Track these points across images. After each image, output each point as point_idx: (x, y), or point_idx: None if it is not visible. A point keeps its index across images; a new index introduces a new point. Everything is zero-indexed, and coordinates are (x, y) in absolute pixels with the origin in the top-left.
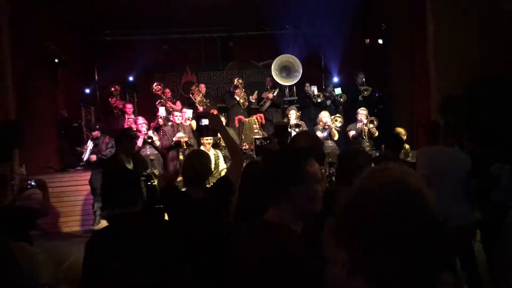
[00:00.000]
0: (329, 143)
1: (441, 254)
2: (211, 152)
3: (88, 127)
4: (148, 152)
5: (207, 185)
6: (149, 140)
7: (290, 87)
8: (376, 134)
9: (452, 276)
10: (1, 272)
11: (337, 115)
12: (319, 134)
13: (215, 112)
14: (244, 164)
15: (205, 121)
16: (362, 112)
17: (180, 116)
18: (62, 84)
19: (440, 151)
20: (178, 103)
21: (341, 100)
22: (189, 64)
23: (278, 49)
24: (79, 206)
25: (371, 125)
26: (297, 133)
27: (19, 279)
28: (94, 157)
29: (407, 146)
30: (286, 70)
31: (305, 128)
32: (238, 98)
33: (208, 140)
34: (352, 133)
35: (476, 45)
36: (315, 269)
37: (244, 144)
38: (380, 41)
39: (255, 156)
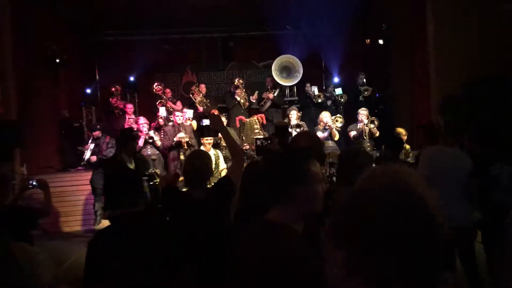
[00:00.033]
0: (330, 143)
1: (441, 255)
2: (211, 152)
3: (89, 127)
4: (149, 152)
5: (208, 185)
6: (150, 140)
7: (291, 87)
8: (377, 134)
9: (453, 276)
10: (1, 272)
11: (338, 115)
12: (320, 134)
13: (216, 112)
14: (245, 164)
15: (206, 122)
16: (362, 113)
17: (181, 116)
18: (63, 84)
19: (440, 151)
20: (179, 103)
21: (342, 100)
22: (190, 64)
23: (278, 49)
24: (80, 206)
25: (372, 125)
26: (298, 133)
27: (19, 279)
28: (94, 158)
29: (407, 146)
30: (287, 70)
31: (305, 128)
32: (238, 98)
33: (208, 140)
34: (353, 133)
35: (476, 45)
36: (316, 269)
37: (245, 144)
38: (381, 42)
39: (256, 156)
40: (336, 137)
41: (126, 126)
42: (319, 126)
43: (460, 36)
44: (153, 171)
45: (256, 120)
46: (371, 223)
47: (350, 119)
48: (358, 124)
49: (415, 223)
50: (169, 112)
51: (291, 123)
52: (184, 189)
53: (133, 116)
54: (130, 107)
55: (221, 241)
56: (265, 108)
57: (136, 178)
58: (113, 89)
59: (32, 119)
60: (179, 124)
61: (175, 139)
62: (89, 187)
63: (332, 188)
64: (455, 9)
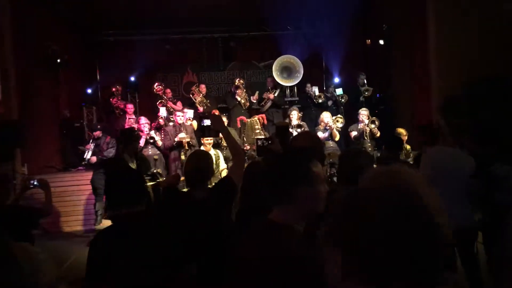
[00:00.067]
0: (330, 143)
1: (441, 255)
2: (211, 152)
3: (89, 127)
4: (150, 152)
5: (209, 186)
6: (151, 141)
7: (291, 87)
8: (378, 134)
9: (453, 277)
10: (1, 272)
11: (339, 115)
12: (320, 134)
13: (217, 112)
14: (246, 165)
15: (207, 122)
16: (363, 113)
17: (182, 116)
18: (64, 84)
19: (442, 151)
20: (179, 103)
21: (343, 100)
22: (190, 64)
23: (279, 50)
24: (80, 206)
25: (373, 126)
26: (298, 134)
27: (19, 279)
28: (94, 159)
29: (408, 146)
30: (287, 70)
31: (306, 128)
32: (239, 99)
33: (208, 141)
34: (354, 133)
35: (476, 45)
36: (316, 269)
37: (246, 145)
38: (382, 42)
39: (257, 157)
40: (337, 138)
41: (126, 126)
42: (319, 126)
43: (460, 36)
44: (155, 170)
45: (257, 121)
46: (371, 223)
47: (351, 119)
48: (359, 125)
49: (415, 223)
50: (170, 112)
51: (292, 124)
52: (185, 189)
53: (134, 116)
54: (130, 107)
55: (221, 241)
56: (266, 108)
57: (138, 178)
58: (113, 89)
59: (33, 119)
60: (180, 124)
61: (176, 139)
62: (90, 187)
63: (333, 188)
64: (455, 9)
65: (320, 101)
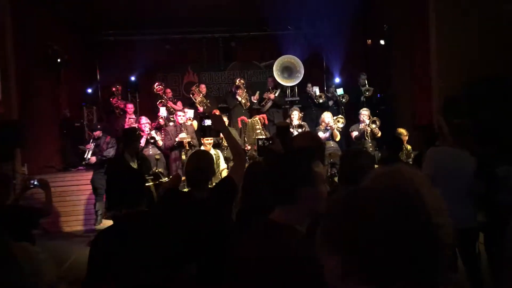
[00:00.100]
0: (331, 143)
1: (441, 255)
2: (211, 152)
3: (90, 127)
4: (151, 152)
5: (210, 186)
6: (152, 141)
7: (292, 87)
8: (379, 134)
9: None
10: (1, 272)
11: (340, 116)
12: (321, 134)
13: (218, 112)
14: (247, 165)
15: (208, 122)
16: (364, 113)
17: (183, 115)
18: (64, 84)
19: (442, 151)
20: (179, 103)
21: (343, 100)
22: (191, 64)
23: (279, 50)
24: (81, 206)
25: (374, 126)
26: (298, 134)
27: (20, 279)
28: (93, 159)
29: (408, 146)
30: (288, 70)
31: (307, 129)
32: (240, 99)
33: (208, 141)
34: (355, 133)
35: (476, 45)
36: (317, 269)
37: (246, 145)
38: (382, 42)
39: (257, 157)
40: (338, 138)
41: (126, 126)
42: (320, 126)
43: (460, 36)
44: (157, 170)
45: (258, 121)
46: (370, 222)
47: (352, 119)
48: (360, 125)
49: (415, 223)
50: (170, 112)
51: (293, 124)
52: (185, 189)
53: (134, 116)
54: (130, 107)
55: (221, 241)
56: (266, 109)
57: (139, 178)
58: (113, 89)
59: (33, 119)
60: (181, 124)
61: (177, 139)
62: (90, 187)
63: (334, 188)
64: (455, 9)
65: (320, 101)
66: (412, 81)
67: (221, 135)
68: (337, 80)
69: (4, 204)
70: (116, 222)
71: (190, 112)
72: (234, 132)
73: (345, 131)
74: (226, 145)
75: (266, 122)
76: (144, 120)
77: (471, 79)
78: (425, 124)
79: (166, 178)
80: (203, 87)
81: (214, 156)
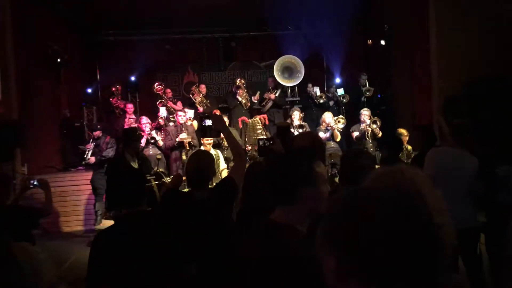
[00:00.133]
0: (331, 144)
1: (442, 255)
2: (211, 152)
3: (89, 127)
4: (151, 152)
5: (210, 186)
6: (152, 141)
7: (292, 87)
8: (380, 134)
9: (455, 277)
10: (1, 272)
11: (340, 116)
12: (322, 135)
13: (218, 112)
14: (247, 165)
15: (208, 122)
16: (365, 113)
17: (183, 116)
18: (64, 84)
19: (442, 151)
20: (179, 103)
21: (344, 100)
22: (191, 64)
23: (280, 50)
24: (80, 206)
25: (374, 126)
26: (299, 134)
27: (19, 279)
28: (93, 159)
29: (409, 147)
30: (288, 70)
31: (308, 129)
32: (240, 99)
33: (208, 141)
34: (355, 134)
35: (476, 45)
36: (317, 270)
37: (247, 145)
38: (383, 42)
39: (258, 157)
40: (338, 138)
41: (126, 126)
42: (321, 126)
43: (460, 36)
44: (158, 170)
45: (259, 121)
46: (371, 223)
47: (352, 119)
48: (361, 125)
49: (416, 223)
50: (170, 112)
51: (294, 124)
52: (186, 190)
53: (134, 116)
54: (130, 107)
55: (221, 241)
56: (267, 109)
57: (139, 178)
58: (113, 89)
59: (33, 119)
60: (181, 124)
61: (177, 139)
62: (90, 187)
63: (334, 189)
64: (455, 9)
65: (321, 101)
66: (412, 81)
67: (222, 135)
68: (338, 80)
69: (4, 204)
70: (117, 222)
71: (190, 112)
72: (234, 132)
73: (345, 132)
74: (226, 145)
75: (267, 122)
76: (144, 120)
77: (471, 79)
78: (425, 124)
79: (168, 178)
80: (203, 87)
81: (214, 156)
